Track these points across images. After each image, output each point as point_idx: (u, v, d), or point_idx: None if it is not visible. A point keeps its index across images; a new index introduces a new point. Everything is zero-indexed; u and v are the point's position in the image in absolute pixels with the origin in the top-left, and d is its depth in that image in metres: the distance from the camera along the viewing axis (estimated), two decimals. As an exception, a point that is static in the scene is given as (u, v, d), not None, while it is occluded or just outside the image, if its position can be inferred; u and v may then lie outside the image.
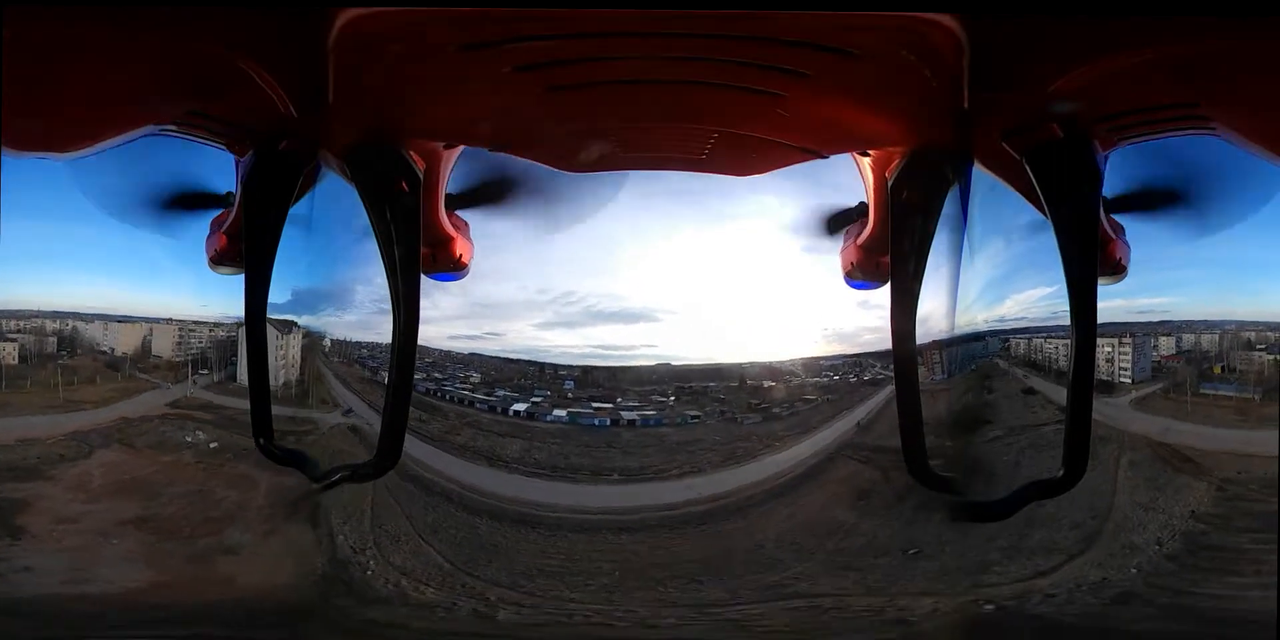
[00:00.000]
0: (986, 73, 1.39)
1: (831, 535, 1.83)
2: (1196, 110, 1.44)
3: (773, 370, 1.91)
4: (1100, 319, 1.46)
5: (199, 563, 1.80)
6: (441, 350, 1.93)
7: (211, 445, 1.88)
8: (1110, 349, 1.87)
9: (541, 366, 1.95)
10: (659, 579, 1.79)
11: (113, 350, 1.95)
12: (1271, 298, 1.79)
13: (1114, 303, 1.69)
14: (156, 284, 1.86)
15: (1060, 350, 1.80)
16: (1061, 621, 1.72)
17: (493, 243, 1.80)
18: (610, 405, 1.94)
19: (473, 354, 1.94)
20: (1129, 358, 1.88)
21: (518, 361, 1.95)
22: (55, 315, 1.92)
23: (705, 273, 1.82)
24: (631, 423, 1.93)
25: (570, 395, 1.95)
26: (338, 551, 1.83)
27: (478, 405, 1.96)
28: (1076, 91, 1.39)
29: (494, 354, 1.94)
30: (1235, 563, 1.74)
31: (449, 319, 1.85)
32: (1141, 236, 1.67)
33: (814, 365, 1.90)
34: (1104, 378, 1.83)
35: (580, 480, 1.88)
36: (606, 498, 1.87)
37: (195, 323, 1.92)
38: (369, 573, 1.82)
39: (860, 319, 1.81)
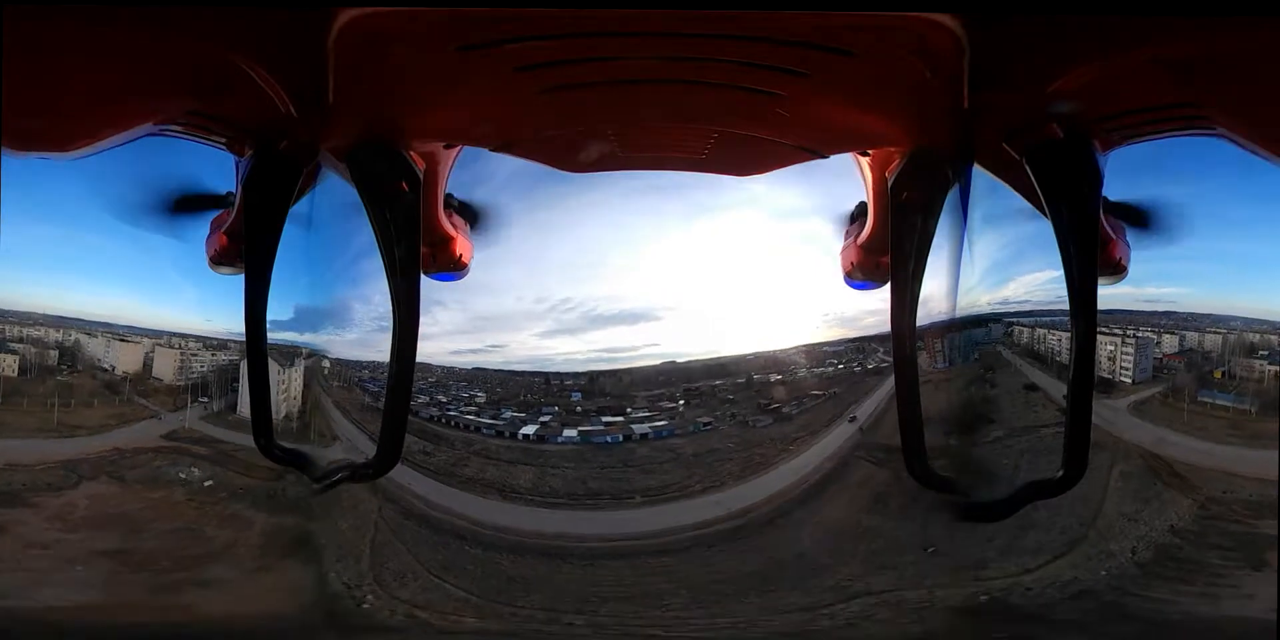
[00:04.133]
0: (986, 73, 1.39)
1: (860, 538, 1.82)
2: (1196, 110, 1.44)
3: (777, 362, 1.89)
4: (1107, 306, 1.45)
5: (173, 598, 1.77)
6: (444, 366, 1.91)
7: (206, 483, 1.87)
8: (1113, 347, 1.86)
9: (547, 377, 1.92)
10: (727, 594, 1.77)
11: (113, 368, 1.93)
12: (1277, 296, 1.79)
13: (1121, 289, 1.68)
14: (162, 292, 1.85)
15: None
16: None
17: (484, 256, 1.79)
18: (621, 418, 1.90)
19: (476, 368, 1.92)
20: (1131, 357, 1.87)
21: (523, 374, 1.92)
22: (59, 322, 1.90)
23: (699, 266, 1.81)
24: (644, 436, 1.90)
25: (579, 409, 1.92)
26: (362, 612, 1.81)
27: (484, 431, 1.93)
28: (1076, 91, 1.39)
29: (498, 367, 1.92)
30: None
31: (450, 334, 1.83)
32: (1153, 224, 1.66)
33: (817, 353, 1.89)
34: (1104, 376, 1.83)
35: (603, 507, 1.85)
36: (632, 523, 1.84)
37: (197, 339, 1.91)
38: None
39: (861, 302, 1.80)
